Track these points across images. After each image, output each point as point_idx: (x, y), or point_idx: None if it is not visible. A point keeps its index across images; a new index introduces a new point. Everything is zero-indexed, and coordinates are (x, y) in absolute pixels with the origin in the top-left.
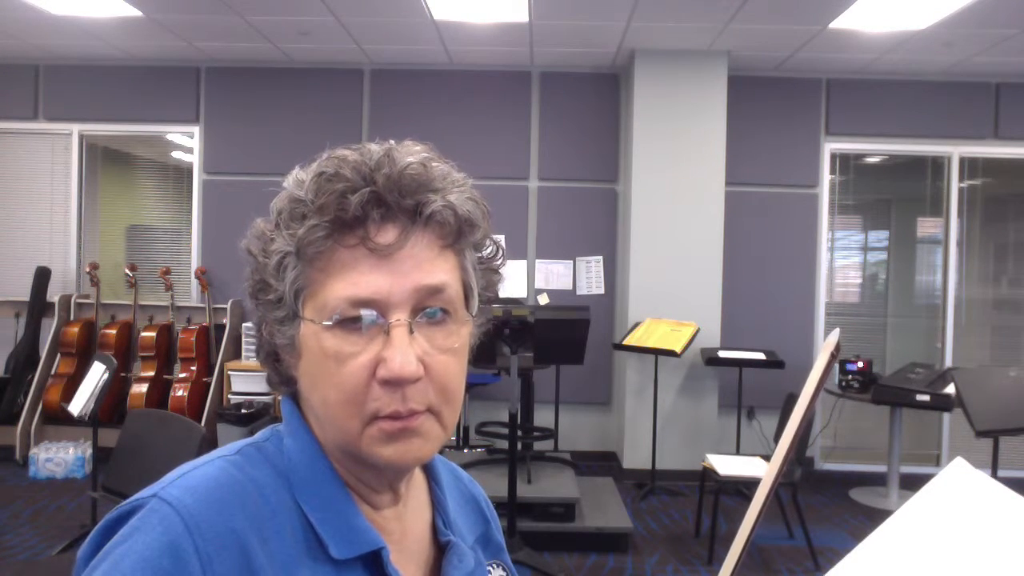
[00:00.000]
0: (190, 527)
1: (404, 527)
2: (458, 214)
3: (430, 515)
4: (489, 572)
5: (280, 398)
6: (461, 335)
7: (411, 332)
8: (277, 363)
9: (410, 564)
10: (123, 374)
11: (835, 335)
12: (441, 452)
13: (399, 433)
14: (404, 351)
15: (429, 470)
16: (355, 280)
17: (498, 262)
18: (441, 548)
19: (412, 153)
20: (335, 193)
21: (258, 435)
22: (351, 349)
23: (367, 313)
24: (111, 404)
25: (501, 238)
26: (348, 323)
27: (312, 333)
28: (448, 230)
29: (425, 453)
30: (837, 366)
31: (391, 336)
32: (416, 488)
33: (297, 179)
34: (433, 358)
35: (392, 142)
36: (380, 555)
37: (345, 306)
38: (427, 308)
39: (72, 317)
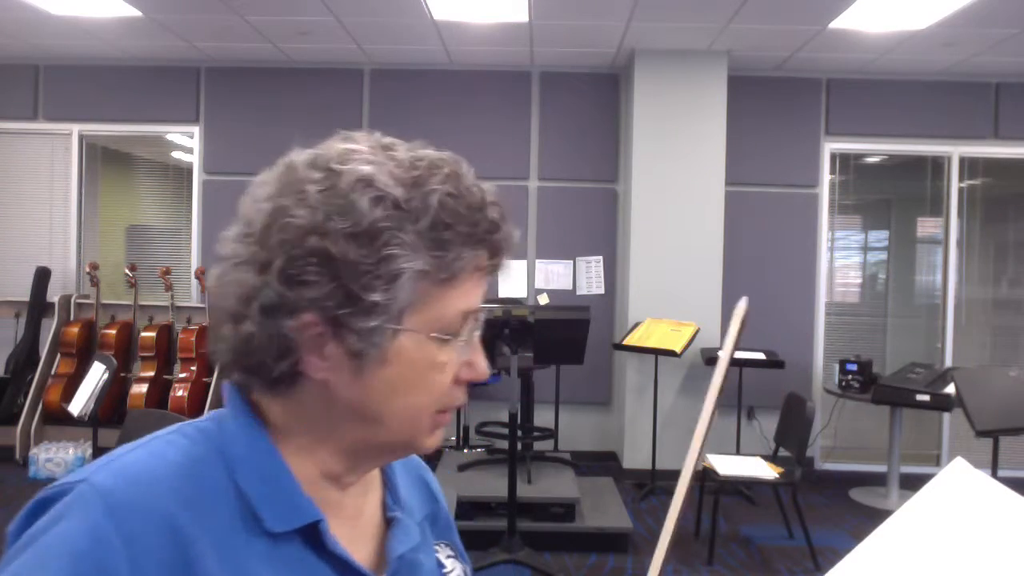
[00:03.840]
0: (113, 510)
1: (359, 503)
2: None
3: (381, 492)
4: (436, 551)
5: (225, 383)
6: None
7: None
8: (279, 360)
9: (361, 539)
10: (123, 374)
11: (743, 302)
12: (440, 452)
13: (443, 424)
14: (484, 356)
15: None
16: (468, 294)
17: None
18: (389, 524)
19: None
20: (484, 220)
21: (201, 417)
22: (449, 357)
23: (471, 324)
24: (111, 404)
25: None
26: (456, 334)
27: (417, 344)
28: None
29: None
30: (837, 366)
31: (476, 343)
32: None
33: (399, 186)
34: None
35: (447, 154)
36: (318, 527)
37: (459, 319)
38: None
39: (72, 317)
